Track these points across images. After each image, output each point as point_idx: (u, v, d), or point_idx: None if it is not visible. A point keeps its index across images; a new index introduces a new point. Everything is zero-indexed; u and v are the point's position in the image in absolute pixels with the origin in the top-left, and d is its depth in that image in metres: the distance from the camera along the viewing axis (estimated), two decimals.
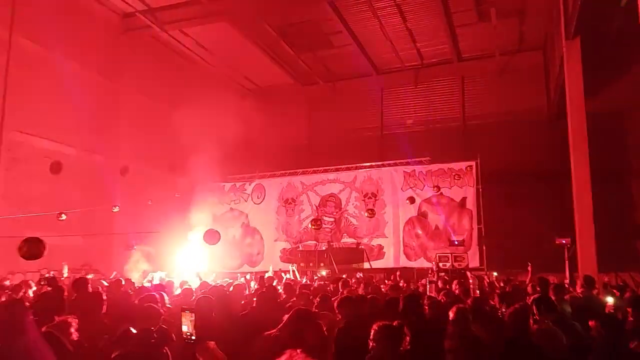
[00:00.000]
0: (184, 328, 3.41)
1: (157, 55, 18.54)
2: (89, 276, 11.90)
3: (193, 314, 3.42)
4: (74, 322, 3.55)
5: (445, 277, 11.39)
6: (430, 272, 13.27)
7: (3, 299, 6.58)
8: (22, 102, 14.18)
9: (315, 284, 9.96)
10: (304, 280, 12.38)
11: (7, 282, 10.99)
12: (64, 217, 12.63)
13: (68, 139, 15.42)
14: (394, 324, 3.52)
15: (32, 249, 5.41)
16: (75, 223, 14.29)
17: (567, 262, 12.90)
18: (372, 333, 3.42)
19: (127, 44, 17.64)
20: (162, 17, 17.20)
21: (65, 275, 10.56)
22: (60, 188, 14.95)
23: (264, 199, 19.05)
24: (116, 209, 14.38)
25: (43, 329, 3.42)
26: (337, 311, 4.88)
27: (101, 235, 15.01)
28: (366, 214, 16.54)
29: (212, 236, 8.27)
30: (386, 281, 12.57)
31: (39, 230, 13.21)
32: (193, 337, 3.35)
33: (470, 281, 9.19)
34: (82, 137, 15.92)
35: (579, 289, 6.69)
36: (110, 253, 16.33)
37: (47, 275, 12.03)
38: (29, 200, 14.02)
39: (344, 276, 10.61)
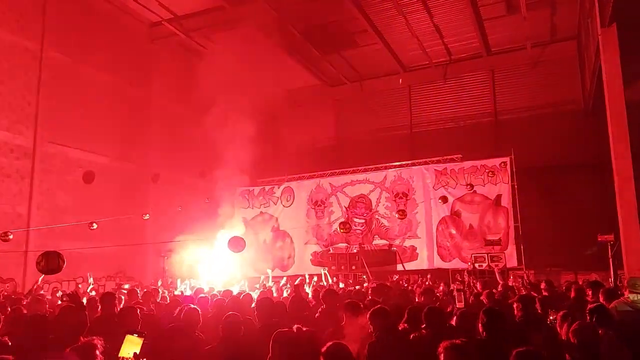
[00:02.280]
0: (127, 354, 3.06)
1: (184, 62, 18.71)
2: (125, 286, 12.00)
3: (142, 339, 3.09)
4: (99, 343, 3.30)
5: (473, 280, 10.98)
6: (458, 276, 12.86)
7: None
8: (54, 114, 14.49)
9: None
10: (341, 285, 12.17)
11: (42, 292, 11.16)
12: (95, 226, 12.79)
13: (100, 148, 15.68)
14: (459, 341, 3.19)
15: (50, 263, 5.32)
16: (109, 231, 14.50)
17: (611, 260, 12.32)
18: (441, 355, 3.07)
19: (155, 53, 17.86)
20: (187, 24, 17.36)
21: (91, 285, 10.61)
22: (93, 197, 15.21)
23: (293, 201, 18.94)
24: (147, 217, 14.51)
25: (67, 350, 3.23)
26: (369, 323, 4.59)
27: (134, 243, 15.15)
28: (396, 215, 16.21)
29: (236, 243, 8.14)
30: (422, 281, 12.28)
31: (73, 240, 13.51)
32: None
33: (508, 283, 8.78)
34: (113, 146, 16.17)
35: (627, 294, 6.09)
36: (144, 260, 16.53)
37: (79, 286, 12.23)
38: (63, 210, 14.30)
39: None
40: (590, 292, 6.70)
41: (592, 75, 15.42)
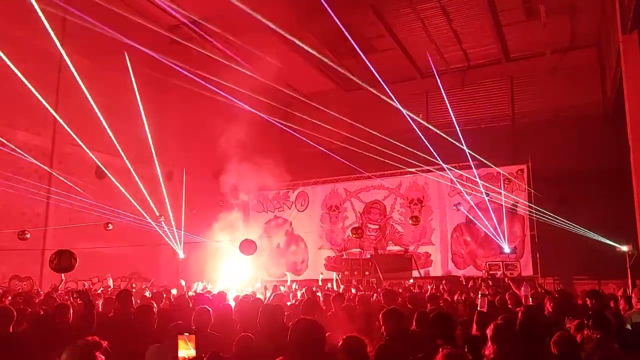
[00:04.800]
0: (184, 354, 2.92)
1: (201, 66, 18.80)
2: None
3: (193, 337, 2.96)
4: (103, 343, 3.24)
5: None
6: (475, 282, 12.64)
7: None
8: (73, 115, 14.68)
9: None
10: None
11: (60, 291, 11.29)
12: (110, 227, 12.92)
13: (116, 149, 15.83)
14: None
15: (62, 262, 5.37)
16: (124, 232, 14.63)
17: (629, 269, 12.09)
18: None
19: (173, 56, 17.99)
20: (205, 28, 17.48)
21: (111, 286, 10.69)
22: (110, 198, 15.35)
23: (307, 206, 18.94)
24: (162, 219, 14.60)
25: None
26: (382, 324, 4.56)
27: (149, 243, 15.27)
28: (410, 222, 16.11)
29: (248, 246, 8.13)
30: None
31: (90, 240, 13.67)
32: None
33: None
34: (130, 148, 16.31)
35: (635, 303, 5.92)
36: (158, 261, 16.64)
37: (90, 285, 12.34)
38: (79, 210, 14.47)
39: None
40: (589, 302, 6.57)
41: (612, 83, 15.19)
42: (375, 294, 8.59)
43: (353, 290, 11.94)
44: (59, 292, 9.37)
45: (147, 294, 9.55)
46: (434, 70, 17.86)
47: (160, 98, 17.44)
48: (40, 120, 14.09)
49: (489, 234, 15.60)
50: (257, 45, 18.42)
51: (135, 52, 16.66)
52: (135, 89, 16.29)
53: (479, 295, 6.96)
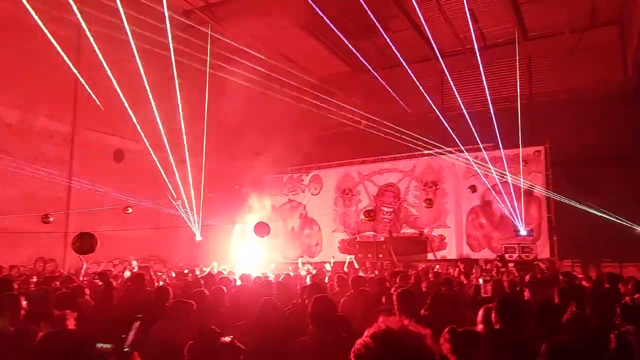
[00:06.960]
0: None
1: (216, 49, 18.85)
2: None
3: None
4: (71, 316, 3.28)
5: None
6: (484, 267, 12.63)
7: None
8: (91, 101, 14.89)
9: None
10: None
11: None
12: (130, 210, 13.19)
13: (134, 134, 16.05)
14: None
15: (84, 244, 5.58)
16: (143, 215, 14.93)
17: None
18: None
19: (187, 41, 18.06)
20: (219, 12, 17.50)
21: (135, 269, 10.96)
22: (128, 182, 15.64)
23: (321, 189, 19.02)
24: (179, 202, 14.84)
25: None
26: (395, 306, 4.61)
27: (166, 226, 15.55)
28: (424, 204, 16.09)
29: (262, 229, 8.27)
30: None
31: (110, 223, 13.98)
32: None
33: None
34: (147, 133, 16.52)
35: None
36: (176, 244, 16.95)
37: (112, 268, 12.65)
38: (100, 194, 14.79)
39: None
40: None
41: (634, 61, 14.86)
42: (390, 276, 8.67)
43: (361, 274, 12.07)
44: (82, 275, 9.64)
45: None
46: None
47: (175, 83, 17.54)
48: (61, 106, 14.34)
49: (506, 214, 15.50)
50: (270, 28, 18.39)
51: (150, 38, 16.80)
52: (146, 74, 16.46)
53: (481, 282, 6.96)
